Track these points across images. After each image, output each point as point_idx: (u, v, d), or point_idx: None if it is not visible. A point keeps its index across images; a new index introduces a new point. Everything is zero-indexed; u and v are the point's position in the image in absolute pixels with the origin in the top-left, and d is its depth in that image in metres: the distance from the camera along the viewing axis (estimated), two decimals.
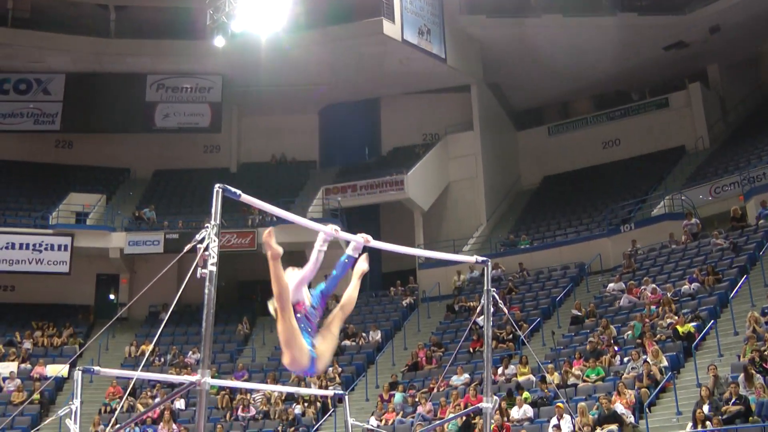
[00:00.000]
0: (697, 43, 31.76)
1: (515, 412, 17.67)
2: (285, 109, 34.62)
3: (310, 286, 6.49)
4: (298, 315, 6.16)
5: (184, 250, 5.96)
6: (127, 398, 22.35)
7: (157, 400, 21.96)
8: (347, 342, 25.72)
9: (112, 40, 32.08)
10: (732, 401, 14.56)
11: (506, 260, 28.13)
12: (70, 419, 8.98)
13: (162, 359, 25.85)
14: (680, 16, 30.96)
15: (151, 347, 24.75)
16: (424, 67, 31.74)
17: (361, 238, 6.69)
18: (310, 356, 6.12)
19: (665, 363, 17.43)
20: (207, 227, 5.61)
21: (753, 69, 33.80)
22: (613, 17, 31.25)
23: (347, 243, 6.75)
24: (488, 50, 32.96)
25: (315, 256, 6.48)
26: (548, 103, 36.66)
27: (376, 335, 25.79)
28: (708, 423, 14.46)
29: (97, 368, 8.35)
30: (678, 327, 18.56)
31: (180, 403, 22.56)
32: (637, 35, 31.29)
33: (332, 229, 6.54)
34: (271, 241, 5.96)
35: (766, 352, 15.56)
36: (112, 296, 31.72)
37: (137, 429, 21.01)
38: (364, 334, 25.96)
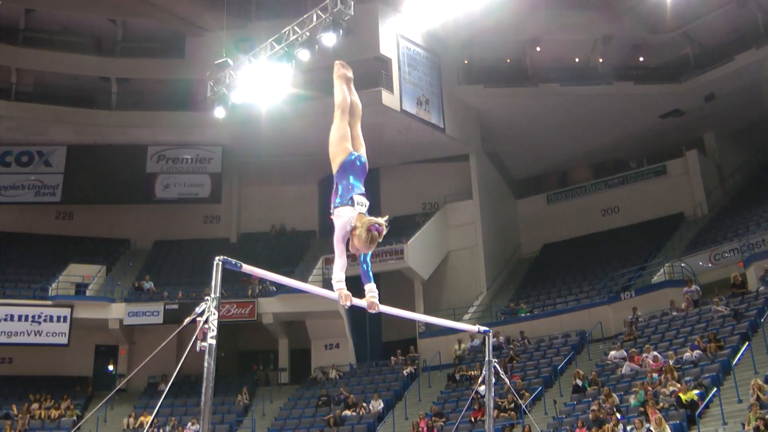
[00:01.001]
0: (693, 111, 32.16)
1: None
2: (285, 179, 34.86)
3: None
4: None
5: (184, 323, 5.97)
6: None
7: None
8: (348, 412, 25.46)
9: (113, 112, 32.48)
10: None
11: (507, 328, 28.02)
12: None
13: (161, 431, 25.56)
14: (675, 85, 31.46)
15: (150, 419, 24.43)
16: (422, 136, 32.01)
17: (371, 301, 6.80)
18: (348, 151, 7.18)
19: (669, 431, 17.26)
20: (207, 300, 5.63)
21: (749, 136, 34.10)
22: (610, 86, 31.72)
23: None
24: (486, 119, 33.32)
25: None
26: (547, 172, 36.92)
27: (378, 405, 25.53)
28: None
29: None
30: (681, 395, 18.39)
31: None
32: (634, 104, 31.73)
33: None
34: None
35: None
36: (111, 367, 31.47)
37: None
38: (364, 404, 25.70)
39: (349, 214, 6.69)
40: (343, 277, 6.69)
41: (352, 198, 6.77)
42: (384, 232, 6.50)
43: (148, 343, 28.76)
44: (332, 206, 6.96)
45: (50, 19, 32.54)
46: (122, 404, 27.96)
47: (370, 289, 6.74)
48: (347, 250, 6.64)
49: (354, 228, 6.59)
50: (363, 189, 6.87)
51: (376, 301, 6.72)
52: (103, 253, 33.15)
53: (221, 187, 33.89)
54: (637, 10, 30.85)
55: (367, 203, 6.79)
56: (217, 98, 27.67)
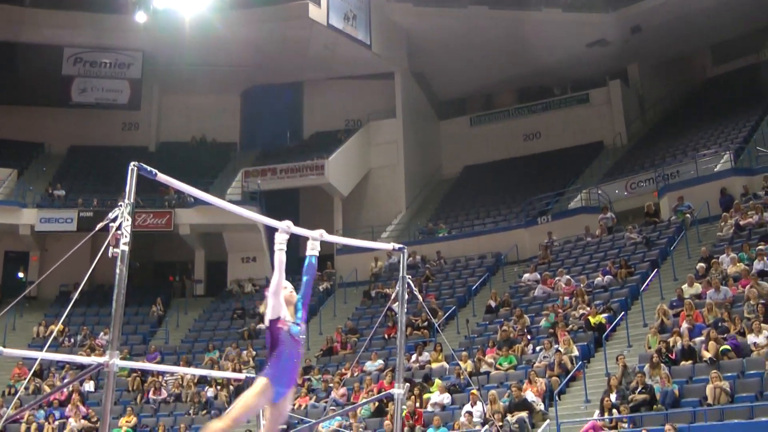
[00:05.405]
0: (619, 42, 32.39)
1: (436, 397, 17.77)
2: (207, 89, 34.12)
3: None
4: (281, 329, 5.72)
5: (96, 229, 5.78)
6: (32, 380, 21.62)
7: (65, 381, 21.39)
8: (262, 325, 25.46)
9: (27, 9, 31.06)
10: (638, 390, 14.94)
11: (424, 248, 28.29)
12: None
13: (72, 340, 25.24)
14: (603, 14, 31.55)
15: (60, 327, 23.97)
16: (348, 52, 31.64)
17: (318, 234, 6.48)
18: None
19: (576, 352, 17.77)
20: (120, 206, 5.45)
21: (672, 70, 34.66)
22: (538, 12, 31.63)
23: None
24: (414, 39, 33.06)
25: (279, 258, 5.94)
26: (471, 94, 36.93)
27: None
28: (615, 411, 14.80)
29: None
30: (590, 318, 18.93)
31: (89, 385, 22.07)
32: (561, 31, 31.74)
33: (286, 225, 6.26)
34: None
35: (672, 344, 16.00)
36: (20, 274, 30.77)
37: (42, 411, 20.44)
38: None
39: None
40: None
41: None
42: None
43: (60, 250, 27.95)
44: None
45: None
46: (32, 312, 27.38)
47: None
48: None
49: None
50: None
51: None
52: (15, 157, 31.97)
53: (141, 93, 33.08)
54: None
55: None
56: (139, 2, 26.76)
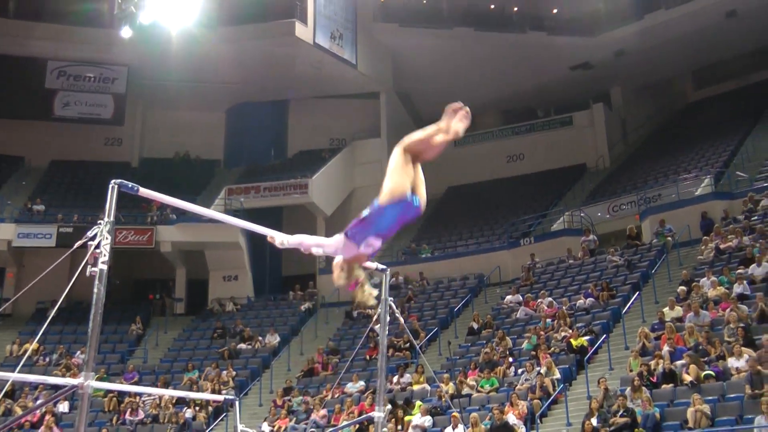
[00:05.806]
0: (603, 66, 32.63)
1: (417, 420, 17.63)
2: (191, 105, 34.03)
3: None
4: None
5: (74, 247, 5.69)
6: (3, 401, 20.89)
7: (38, 402, 20.88)
8: (243, 345, 25.35)
9: (10, 21, 30.83)
10: (619, 413, 14.88)
11: (407, 269, 28.21)
12: None
13: (47, 359, 24.82)
14: (587, 38, 31.77)
15: (34, 346, 23.46)
16: (334, 71, 31.65)
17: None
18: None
19: (558, 375, 17.71)
20: (100, 224, 5.38)
21: (654, 94, 34.92)
22: (523, 35, 31.83)
23: None
24: (399, 59, 33.14)
25: (302, 240, 5.83)
26: None
27: (273, 339, 25.49)
28: None
29: None
30: (572, 340, 18.89)
31: (64, 406, 21.58)
32: (546, 54, 31.95)
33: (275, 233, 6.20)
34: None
35: (653, 367, 15.98)
36: None
37: None
38: (260, 338, 25.63)
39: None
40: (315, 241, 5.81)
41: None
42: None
43: (38, 266, 27.67)
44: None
45: None
46: (6, 330, 26.83)
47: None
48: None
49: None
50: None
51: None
52: None
53: (125, 108, 32.90)
54: None
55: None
56: (125, 16, 26.66)
